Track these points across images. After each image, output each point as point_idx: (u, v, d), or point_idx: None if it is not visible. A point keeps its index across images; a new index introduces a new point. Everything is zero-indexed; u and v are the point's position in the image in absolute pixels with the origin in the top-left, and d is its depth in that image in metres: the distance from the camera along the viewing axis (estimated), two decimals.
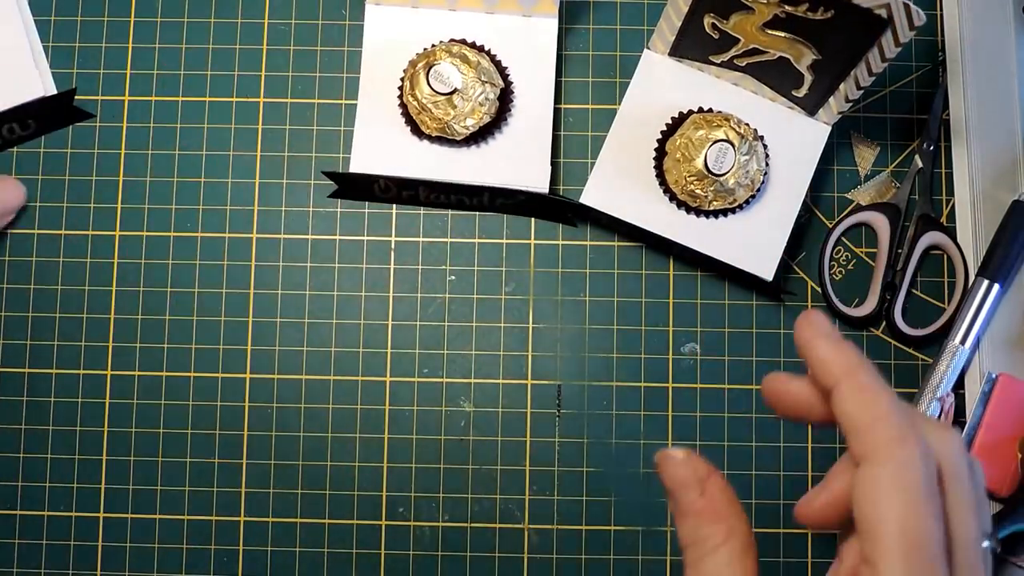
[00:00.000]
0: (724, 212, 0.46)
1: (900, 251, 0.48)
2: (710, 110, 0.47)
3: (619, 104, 0.47)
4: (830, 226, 0.49)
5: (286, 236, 0.49)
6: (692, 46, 0.46)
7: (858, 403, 0.29)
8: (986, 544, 0.29)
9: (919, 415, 0.31)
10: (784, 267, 0.48)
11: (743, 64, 0.46)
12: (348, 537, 0.47)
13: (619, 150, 0.47)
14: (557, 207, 0.47)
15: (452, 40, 0.47)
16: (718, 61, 0.46)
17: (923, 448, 0.28)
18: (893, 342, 0.48)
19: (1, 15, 0.44)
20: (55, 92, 0.34)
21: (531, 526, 0.47)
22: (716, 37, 0.45)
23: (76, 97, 0.50)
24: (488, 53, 0.47)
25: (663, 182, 0.46)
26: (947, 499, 0.29)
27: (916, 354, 0.48)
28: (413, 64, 0.46)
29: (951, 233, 0.48)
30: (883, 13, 0.40)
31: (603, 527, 0.47)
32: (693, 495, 0.33)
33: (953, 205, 0.49)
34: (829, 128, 0.47)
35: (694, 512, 0.33)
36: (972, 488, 0.29)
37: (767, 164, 0.46)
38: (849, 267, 0.49)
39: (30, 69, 0.35)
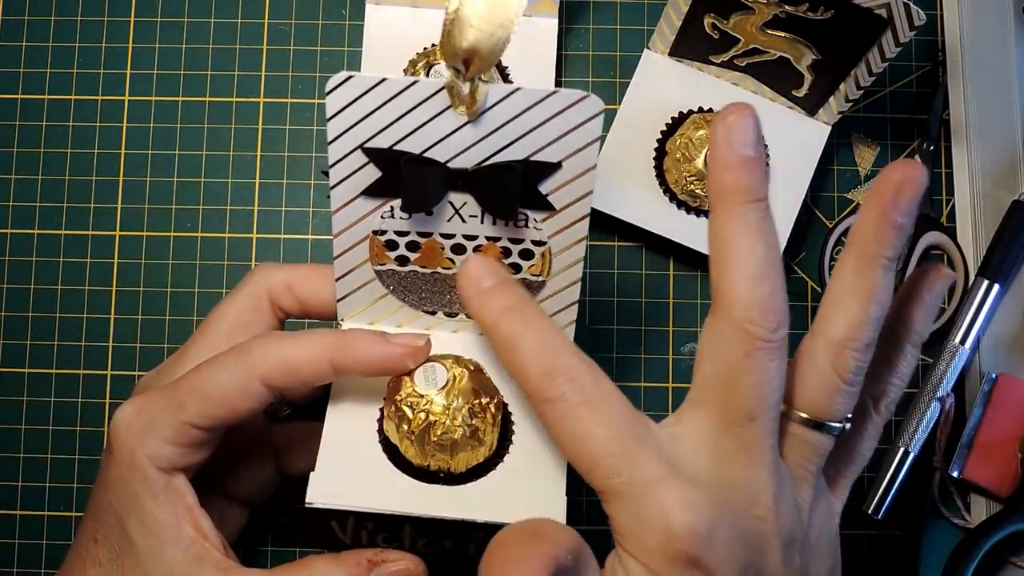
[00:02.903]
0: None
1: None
2: (710, 110, 0.47)
3: (619, 104, 0.47)
4: (830, 226, 0.49)
5: (286, 236, 0.49)
6: (692, 46, 0.46)
7: (503, 357, 0.32)
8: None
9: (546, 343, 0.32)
10: (784, 267, 0.48)
11: (743, 64, 0.46)
12: None
13: (619, 150, 0.47)
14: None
15: None
16: (718, 61, 0.46)
17: (564, 374, 0.31)
18: None
19: None
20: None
21: None
22: (716, 37, 0.45)
23: (75, 97, 0.50)
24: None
25: (663, 182, 0.46)
26: None
27: None
28: (413, 64, 0.46)
29: (951, 233, 0.48)
30: (883, 13, 0.40)
31: (603, 527, 0.47)
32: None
33: (953, 205, 0.49)
34: (829, 128, 0.47)
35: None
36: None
37: (767, 164, 0.46)
38: None
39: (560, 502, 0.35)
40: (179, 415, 0.34)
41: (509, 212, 0.34)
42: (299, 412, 0.42)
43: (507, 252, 0.36)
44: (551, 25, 0.47)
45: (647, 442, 0.30)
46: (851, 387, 0.32)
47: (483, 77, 0.32)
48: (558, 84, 0.49)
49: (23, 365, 0.48)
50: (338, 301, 0.38)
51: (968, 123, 0.48)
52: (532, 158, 0.33)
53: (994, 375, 0.46)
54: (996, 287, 0.46)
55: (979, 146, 0.48)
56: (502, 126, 0.33)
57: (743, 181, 0.31)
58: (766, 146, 0.46)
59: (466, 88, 0.32)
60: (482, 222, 0.35)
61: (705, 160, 0.44)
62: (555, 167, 0.33)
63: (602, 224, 0.48)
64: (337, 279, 0.37)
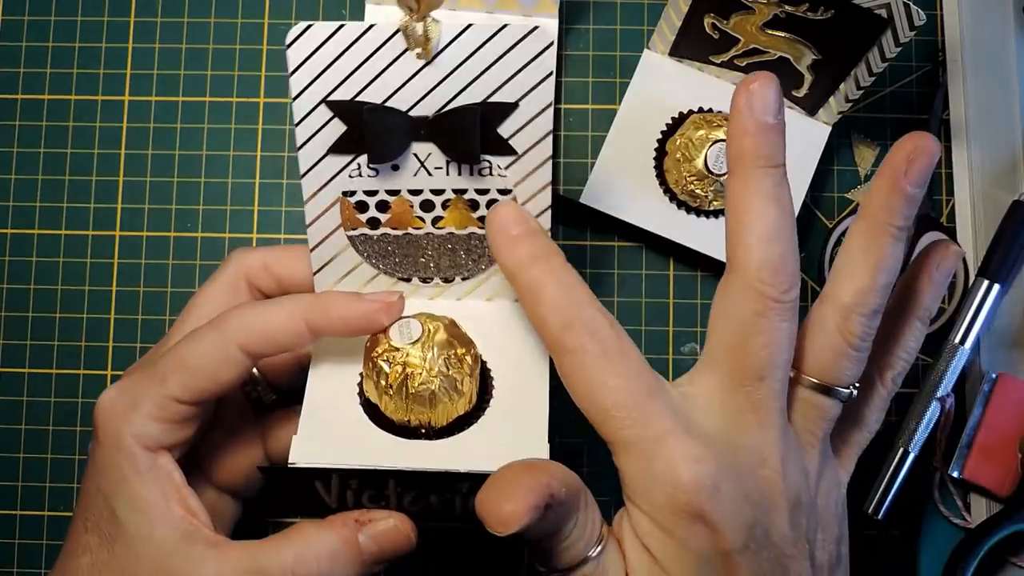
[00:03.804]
0: (724, 212, 0.46)
1: None
2: (710, 110, 0.47)
3: (619, 104, 0.47)
4: (830, 226, 0.49)
5: (286, 236, 0.49)
6: (692, 46, 0.46)
7: (526, 304, 0.33)
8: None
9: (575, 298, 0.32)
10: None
11: (743, 64, 0.46)
12: None
13: (619, 150, 0.47)
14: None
15: None
16: (718, 61, 0.46)
17: (585, 327, 0.31)
18: None
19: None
20: None
21: None
22: (716, 37, 0.45)
23: (75, 97, 0.50)
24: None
25: (663, 182, 0.46)
26: None
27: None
28: None
29: (951, 233, 0.48)
30: (883, 13, 0.40)
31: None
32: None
33: (953, 205, 0.49)
34: (829, 128, 0.47)
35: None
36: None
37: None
38: None
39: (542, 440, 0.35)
40: (161, 390, 0.34)
41: (472, 156, 0.35)
42: (285, 398, 0.42)
43: (474, 204, 0.36)
44: (551, 25, 0.47)
45: (660, 397, 0.31)
46: (858, 352, 0.32)
47: (434, 16, 0.32)
48: (558, 84, 0.49)
49: (23, 365, 0.48)
50: (315, 274, 0.38)
51: (968, 123, 0.48)
52: (489, 99, 0.33)
53: (994, 375, 0.46)
54: (996, 287, 0.46)
55: (979, 146, 0.48)
56: (458, 67, 0.33)
57: (761, 146, 0.32)
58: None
59: (420, 28, 0.32)
60: (447, 174, 0.36)
61: (706, 160, 0.44)
62: (512, 107, 0.34)
63: (602, 224, 0.48)
64: (312, 249, 0.37)
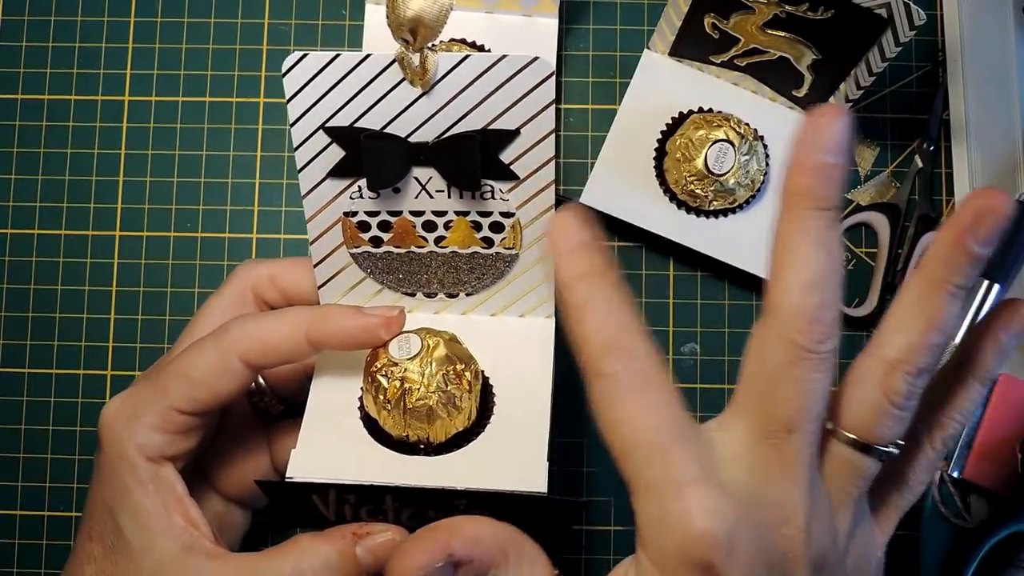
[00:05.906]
0: (724, 212, 0.46)
1: (900, 251, 0.48)
2: (710, 110, 0.47)
3: (619, 104, 0.47)
4: None
5: (286, 236, 0.49)
6: (692, 46, 0.46)
7: (570, 321, 0.31)
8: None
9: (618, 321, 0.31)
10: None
11: (743, 64, 0.46)
12: None
13: (619, 150, 0.47)
14: None
15: (452, 40, 0.47)
16: (718, 61, 0.46)
17: (624, 353, 0.30)
18: None
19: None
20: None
21: None
22: (716, 37, 0.45)
23: (75, 97, 0.50)
24: (488, 53, 0.47)
25: (663, 182, 0.46)
26: None
27: None
28: None
29: None
30: (883, 13, 0.40)
31: (604, 527, 0.47)
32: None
33: (953, 205, 0.49)
34: None
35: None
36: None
37: (767, 164, 0.46)
38: (849, 267, 0.49)
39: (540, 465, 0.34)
40: (163, 401, 0.34)
41: (472, 183, 0.35)
42: (292, 409, 0.42)
43: (477, 226, 0.36)
44: (551, 25, 0.47)
45: (687, 441, 0.30)
46: (900, 411, 0.31)
47: (432, 47, 0.32)
48: (558, 84, 0.49)
49: (23, 365, 0.48)
50: (319, 288, 0.38)
51: (968, 123, 0.48)
52: (490, 127, 0.33)
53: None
54: (996, 287, 0.46)
55: (979, 146, 0.48)
56: (456, 96, 0.33)
57: (817, 187, 0.30)
58: (766, 146, 0.46)
59: (416, 59, 0.32)
60: (449, 196, 0.36)
61: (706, 160, 0.44)
62: (513, 134, 0.34)
63: (602, 224, 0.48)
64: (315, 265, 0.37)
